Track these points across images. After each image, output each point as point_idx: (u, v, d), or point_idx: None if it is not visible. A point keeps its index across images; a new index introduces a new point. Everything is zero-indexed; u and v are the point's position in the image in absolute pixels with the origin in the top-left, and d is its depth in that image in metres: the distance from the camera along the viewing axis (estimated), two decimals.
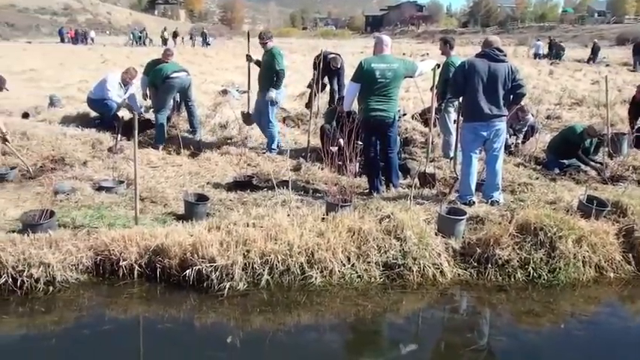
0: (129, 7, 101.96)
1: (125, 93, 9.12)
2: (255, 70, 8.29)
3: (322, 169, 7.17)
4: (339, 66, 10.62)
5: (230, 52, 32.03)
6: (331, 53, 10.82)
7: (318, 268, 4.69)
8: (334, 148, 6.97)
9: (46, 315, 4.30)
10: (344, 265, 4.77)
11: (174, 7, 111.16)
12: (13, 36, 54.02)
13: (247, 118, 8.53)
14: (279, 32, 75.03)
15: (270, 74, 7.87)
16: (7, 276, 4.39)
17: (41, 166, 7.36)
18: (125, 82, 9.12)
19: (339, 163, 6.58)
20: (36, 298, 4.41)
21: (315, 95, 8.66)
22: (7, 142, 7.18)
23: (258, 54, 8.27)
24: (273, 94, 7.87)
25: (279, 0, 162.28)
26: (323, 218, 5.20)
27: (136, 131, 5.34)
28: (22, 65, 19.70)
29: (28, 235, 4.70)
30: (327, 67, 10.16)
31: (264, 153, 8.01)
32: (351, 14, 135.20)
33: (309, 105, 10.60)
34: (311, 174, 7.09)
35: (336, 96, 10.58)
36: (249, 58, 8.33)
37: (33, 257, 4.47)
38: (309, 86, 9.59)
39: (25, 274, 4.41)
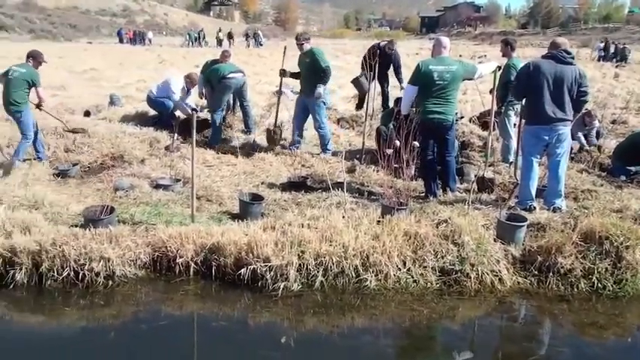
0: (185, 9, 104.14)
1: (186, 98, 9.32)
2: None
3: (377, 171, 7.14)
4: (394, 48, 10.54)
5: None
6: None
7: (372, 272, 4.67)
8: (390, 151, 6.93)
9: (105, 308, 4.43)
10: (399, 269, 4.73)
11: (229, 8, 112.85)
12: (75, 37, 56.00)
13: (272, 138, 8.31)
14: (332, 33, 75.31)
15: (315, 74, 7.88)
16: (70, 269, 4.55)
17: (101, 163, 7.60)
18: (188, 88, 9.33)
19: (395, 165, 6.53)
20: (96, 291, 4.55)
21: (368, 93, 8.56)
22: (41, 107, 7.69)
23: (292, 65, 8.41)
24: (321, 89, 7.83)
25: (333, 1, 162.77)
26: (378, 221, 5.17)
27: (194, 130, 5.44)
28: (83, 65, 20.43)
29: (89, 230, 4.86)
30: (382, 61, 9.89)
31: (318, 154, 8.02)
32: (406, 15, 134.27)
33: (359, 106, 10.60)
34: (366, 176, 7.07)
35: (389, 95, 10.53)
36: (282, 72, 8.38)
37: (94, 251, 4.61)
38: (357, 81, 9.41)
39: (86, 267, 4.56)
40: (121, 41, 48.36)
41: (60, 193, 6.23)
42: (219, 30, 48.90)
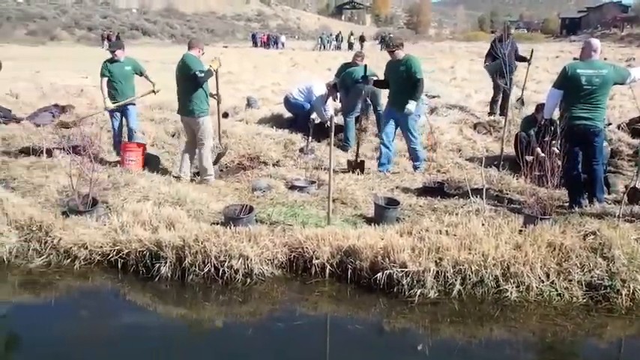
0: (317, 13, 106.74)
1: (325, 104, 9.54)
2: None
3: (517, 178, 6.89)
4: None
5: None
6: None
7: (513, 283, 4.52)
8: (530, 158, 6.67)
9: (243, 305, 4.64)
10: (542, 282, 4.54)
11: (361, 11, 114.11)
12: (212, 41, 59.20)
13: (359, 165, 7.69)
14: (466, 36, 73.50)
15: (408, 86, 7.27)
16: (211, 265, 4.81)
17: (238, 164, 7.97)
18: (327, 97, 9.55)
19: (537, 173, 6.26)
20: (234, 288, 4.77)
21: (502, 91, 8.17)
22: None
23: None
24: (412, 106, 7.20)
25: (468, 3, 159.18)
26: (520, 230, 5.00)
27: (332, 134, 5.56)
28: (220, 68, 21.50)
29: (229, 228, 5.11)
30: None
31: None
32: (545, 17, 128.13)
33: (492, 112, 10.29)
34: (505, 183, 6.85)
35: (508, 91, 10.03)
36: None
37: (234, 249, 4.83)
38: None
39: (226, 264, 4.79)
40: (255, 45, 50.50)
41: (201, 192, 6.59)
42: (351, 33, 49.57)
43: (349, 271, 4.77)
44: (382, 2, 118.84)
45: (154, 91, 8.24)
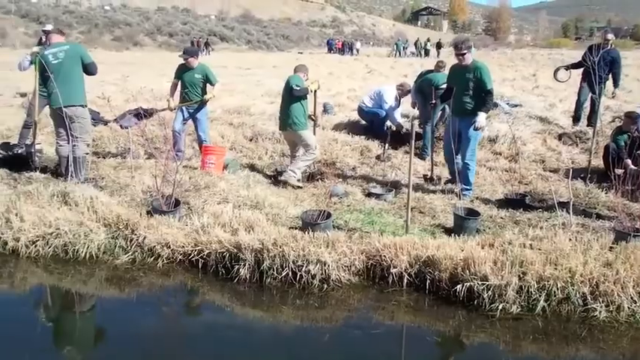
0: (392, 19, 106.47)
1: (398, 107, 9.51)
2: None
3: (606, 192, 6.63)
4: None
5: (495, 64, 31.43)
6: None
7: (603, 302, 4.34)
8: (620, 171, 6.42)
9: (319, 310, 4.67)
10: (634, 302, 4.34)
11: (438, 17, 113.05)
12: (287, 47, 60.23)
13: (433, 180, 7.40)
14: (548, 43, 71.47)
15: (474, 95, 6.66)
16: (289, 269, 4.87)
17: (315, 169, 8.03)
18: (399, 97, 9.53)
19: (629, 187, 6.01)
20: (311, 293, 4.80)
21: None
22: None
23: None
24: (482, 119, 6.59)
25: (551, 9, 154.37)
26: (611, 247, 4.80)
27: (413, 141, 5.52)
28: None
29: (307, 233, 5.16)
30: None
31: (463, 195, 6.70)
32: (636, 22, 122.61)
33: (575, 119, 9.96)
34: (592, 197, 6.60)
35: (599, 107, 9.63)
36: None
37: (311, 254, 4.87)
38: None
39: (303, 269, 4.84)
40: (329, 51, 50.88)
41: (278, 196, 6.69)
42: (428, 40, 49.15)
43: (427, 281, 4.72)
44: (460, 8, 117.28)
45: (203, 100, 8.15)
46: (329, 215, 5.49)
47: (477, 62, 6.78)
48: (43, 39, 8.31)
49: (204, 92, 8.07)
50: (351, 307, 4.74)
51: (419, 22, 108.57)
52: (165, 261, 5.23)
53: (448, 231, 5.60)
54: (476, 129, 6.66)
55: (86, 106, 6.94)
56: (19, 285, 5.14)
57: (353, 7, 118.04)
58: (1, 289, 4.99)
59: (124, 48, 45.91)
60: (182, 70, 8.06)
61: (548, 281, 4.39)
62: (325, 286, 4.83)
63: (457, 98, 6.78)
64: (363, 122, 10.11)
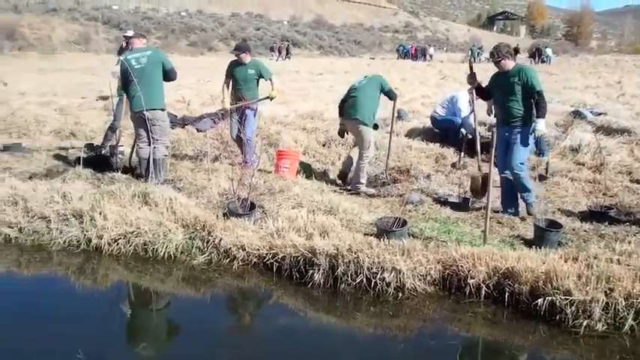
0: (467, 24, 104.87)
1: (470, 113, 9.36)
2: None
3: None
4: None
5: (576, 70, 30.48)
6: None
7: None
8: None
9: (393, 319, 4.63)
10: None
11: (515, 22, 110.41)
12: (358, 52, 60.30)
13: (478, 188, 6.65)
14: (634, 48, 68.69)
15: (521, 100, 6.17)
16: (363, 276, 4.86)
17: (388, 176, 8.01)
18: (472, 101, 9.37)
19: None
20: (386, 301, 4.77)
21: None
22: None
23: None
24: (542, 125, 6.14)
25: (637, 12, 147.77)
26: None
27: (493, 149, 5.42)
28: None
29: (383, 240, 5.14)
30: None
31: (528, 207, 6.41)
32: None
33: None
34: None
35: None
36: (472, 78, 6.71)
37: (387, 262, 4.84)
38: None
39: (378, 276, 4.82)
40: (402, 56, 50.62)
41: (352, 202, 6.70)
42: (474, 45, 48.15)
43: (506, 294, 4.60)
44: (539, 12, 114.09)
45: (269, 97, 8.16)
46: (404, 223, 5.45)
47: (520, 65, 6.39)
48: (124, 45, 8.65)
49: (257, 89, 8.09)
50: (426, 316, 4.68)
51: (495, 27, 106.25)
52: (240, 263, 5.32)
53: (528, 243, 5.45)
54: (536, 137, 6.35)
55: (165, 109, 7.18)
56: (102, 281, 5.34)
57: (426, 12, 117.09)
58: (84, 284, 5.20)
59: (198, 53, 47.21)
60: (233, 67, 8.05)
61: (637, 299, 4.20)
62: (400, 294, 4.79)
63: (502, 106, 6.36)
64: (436, 130, 9.99)
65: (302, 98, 15.01)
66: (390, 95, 7.60)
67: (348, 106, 7.52)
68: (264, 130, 9.86)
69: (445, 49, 69.91)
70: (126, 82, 7.08)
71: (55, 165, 8.13)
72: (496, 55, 6.29)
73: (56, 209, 5.94)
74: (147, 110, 6.80)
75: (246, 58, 7.97)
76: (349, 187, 7.37)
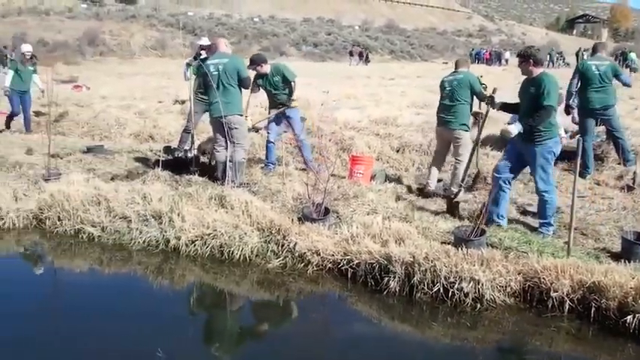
0: (544, 27, 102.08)
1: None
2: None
3: None
4: None
5: None
6: None
7: None
8: None
9: (471, 331, 4.54)
10: None
11: (596, 25, 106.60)
12: (431, 57, 59.75)
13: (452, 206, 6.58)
14: None
15: (537, 112, 5.61)
16: (440, 285, 4.78)
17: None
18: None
19: None
20: (463, 312, 4.68)
21: None
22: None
23: None
24: (513, 127, 5.90)
25: None
26: None
27: (579, 158, 5.24)
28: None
29: (460, 249, 5.05)
30: None
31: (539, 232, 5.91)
32: None
33: None
34: None
35: None
36: (490, 100, 6.26)
37: (464, 271, 4.75)
38: None
39: (455, 286, 4.73)
40: (474, 61, 49.79)
41: (427, 209, 6.63)
42: (580, 49, 46.51)
43: (592, 309, 4.43)
44: (622, 15, 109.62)
45: (289, 107, 8.14)
46: (483, 232, 5.34)
47: (543, 74, 5.73)
48: (202, 53, 8.87)
49: (290, 91, 8.12)
50: (505, 329, 4.57)
51: (574, 31, 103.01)
52: (314, 268, 5.35)
53: (615, 256, 5.23)
54: (503, 135, 6.07)
55: (242, 114, 7.32)
56: (179, 281, 5.50)
57: (502, 15, 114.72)
58: (162, 284, 5.36)
59: (270, 58, 47.88)
60: (257, 79, 8.08)
61: None
62: (478, 305, 4.68)
63: (521, 119, 5.92)
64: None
65: (374, 103, 14.98)
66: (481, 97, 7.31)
67: (441, 111, 7.41)
68: (337, 135, 9.88)
69: None
70: (205, 87, 7.24)
71: (135, 167, 8.43)
72: (524, 54, 5.77)
73: (136, 210, 6.17)
74: (225, 116, 6.95)
75: (266, 69, 8.04)
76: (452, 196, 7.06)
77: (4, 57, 26.84)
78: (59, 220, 6.29)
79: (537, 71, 5.75)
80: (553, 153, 5.78)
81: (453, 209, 6.47)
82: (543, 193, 5.83)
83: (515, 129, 5.89)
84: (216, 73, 7.08)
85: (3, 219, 6.38)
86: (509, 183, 6.08)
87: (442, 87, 7.49)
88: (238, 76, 7.13)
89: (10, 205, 6.51)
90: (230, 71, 7.08)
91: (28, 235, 6.35)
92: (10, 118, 11.47)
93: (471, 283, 4.71)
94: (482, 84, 7.39)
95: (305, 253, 5.43)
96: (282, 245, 5.58)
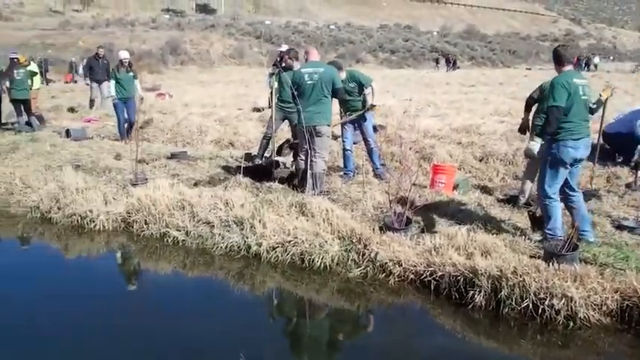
0: (638, 30, 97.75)
1: None
2: None
3: None
4: None
5: None
6: None
7: None
8: None
9: (563, 350, 4.36)
10: None
11: None
12: (513, 63, 58.34)
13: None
14: None
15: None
16: (529, 301, 4.61)
17: None
18: None
19: None
20: (554, 330, 4.49)
21: None
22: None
23: None
24: (535, 146, 5.54)
25: None
26: None
27: None
28: (525, 92, 20.95)
29: (551, 264, 4.85)
30: None
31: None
32: None
33: None
34: None
35: None
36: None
37: (556, 288, 4.56)
38: None
39: (546, 303, 4.55)
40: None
41: (514, 221, 6.42)
42: None
43: None
44: None
45: (367, 109, 8.21)
46: (576, 247, 5.11)
47: (561, 74, 5.44)
48: (279, 60, 9.00)
49: (364, 99, 8.14)
50: (600, 350, 4.35)
51: None
52: (396, 279, 5.28)
53: None
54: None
55: (330, 124, 7.31)
56: (259, 287, 5.55)
57: (590, 18, 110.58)
58: (243, 289, 5.42)
59: (347, 65, 48.11)
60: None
61: None
62: (571, 323, 4.48)
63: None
64: (608, 147, 9.32)
65: (455, 111, 14.69)
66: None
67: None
68: (417, 144, 9.76)
69: (612, 58, 65.53)
70: (294, 95, 7.22)
71: (217, 173, 8.61)
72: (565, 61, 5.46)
73: (219, 215, 6.29)
74: (315, 126, 6.97)
75: (341, 76, 7.92)
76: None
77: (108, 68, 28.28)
78: (146, 223, 6.53)
79: (563, 70, 5.48)
80: (555, 157, 5.49)
81: (536, 224, 6.21)
82: (542, 197, 5.64)
83: (537, 146, 5.59)
84: (311, 82, 7.08)
85: (94, 221, 6.70)
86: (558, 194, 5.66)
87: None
88: (333, 85, 7.14)
89: (101, 208, 6.82)
90: (326, 81, 7.08)
91: (117, 238, 6.62)
92: (125, 127, 11.65)
93: (563, 300, 4.52)
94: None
95: (386, 263, 5.37)
96: (363, 254, 5.54)
